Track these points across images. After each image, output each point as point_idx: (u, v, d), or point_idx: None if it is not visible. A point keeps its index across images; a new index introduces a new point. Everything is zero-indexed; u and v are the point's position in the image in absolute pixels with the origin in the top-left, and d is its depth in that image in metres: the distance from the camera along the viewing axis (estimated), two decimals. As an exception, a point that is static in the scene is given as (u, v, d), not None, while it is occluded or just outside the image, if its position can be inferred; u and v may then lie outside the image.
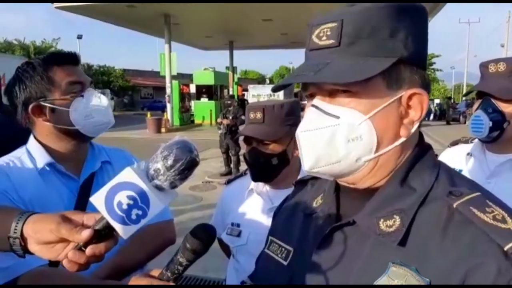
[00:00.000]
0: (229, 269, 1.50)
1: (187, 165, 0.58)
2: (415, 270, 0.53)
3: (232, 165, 7.61)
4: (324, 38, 0.60)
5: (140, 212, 0.58)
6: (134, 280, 0.78)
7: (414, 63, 0.60)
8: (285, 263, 0.72)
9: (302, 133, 0.62)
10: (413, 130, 0.61)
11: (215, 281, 3.40)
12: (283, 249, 0.74)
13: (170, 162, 0.57)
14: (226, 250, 1.56)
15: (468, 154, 1.44)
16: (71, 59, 1.11)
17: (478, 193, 0.56)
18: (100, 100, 1.10)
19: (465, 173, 1.40)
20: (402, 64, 0.58)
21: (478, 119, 1.31)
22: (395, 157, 0.61)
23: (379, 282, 0.55)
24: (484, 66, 1.37)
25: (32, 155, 1.08)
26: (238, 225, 1.41)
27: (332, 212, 0.67)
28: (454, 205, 0.54)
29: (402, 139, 0.60)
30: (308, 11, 13.58)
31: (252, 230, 1.34)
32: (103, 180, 1.14)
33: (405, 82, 0.59)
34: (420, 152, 0.63)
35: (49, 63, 1.07)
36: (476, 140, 1.45)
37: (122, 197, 0.58)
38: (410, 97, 0.59)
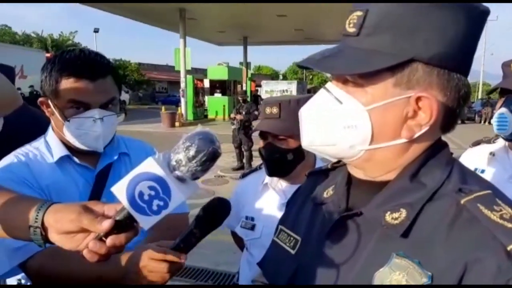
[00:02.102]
0: (242, 262, 1.51)
1: (209, 156, 0.58)
2: (418, 263, 0.53)
3: (244, 160, 7.63)
4: (351, 25, 0.60)
5: (161, 203, 0.58)
6: (149, 252, 0.78)
7: (440, 65, 0.56)
8: (292, 252, 0.73)
9: (305, 111, 0.65)
10: (419, 133, 0.58)
11: (227, 274, 3.44)
12: (291, 238, 0.75)
13: (192, 153, 0.57)
14: (240, 243, 1.57)
15: (490, 153, 1.43)
16: (86, 72, 1.01)
17: (489, 191, 0.56)
18: (93, 127, 1.03)
19: (488, 172, 1.39)
20: (419, 64, 0.56)
21: (503, 116, 1.30)
22: (398, 154, 0.61)
23: (380, 272, 0.56)
24: (507, 65, 1.36)
25: (50, 145, 1.11)
26: (252, 219, 1.42)
27: (341, 203, 0.67)
28: (462, 202, 0.54)
29: (402, 140, 0.59)
30: (323, 7, 13.45)
31: (266, 223, 1.35)
32: (120, 170, 1.16)
33: (418, 83, 0.57)
34: (435, 149, 0.62)
35: (62, 70, 1.02)
36: (500, 139, 1.44)
37: (144, 188, 0.58)
38: (420, 99, 0.57)
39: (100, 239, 0.61)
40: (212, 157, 0.58)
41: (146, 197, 0.58)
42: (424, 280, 0.52)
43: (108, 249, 0.61)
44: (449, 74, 0.57)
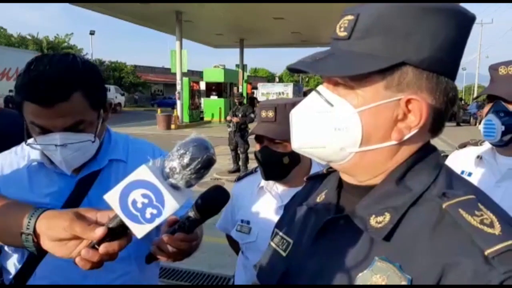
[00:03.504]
0: (238, 265, 1.51)
1: (204, 164, 0.57)
2: (398, 266, 0.54)
3: (240, 163, 7.63)
4: (342, 29, 0.60)
5: (154, 211, 0.57)
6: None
7: (429, 69, 0.57)
8: (284, 254, 0.74)
9: (296, 113, 0.65)
10: (408, 135, 0.59)
11: (221, 277, 3.43)
12: (284, 240, 0.76)
13: (186, 160, 0.56)
14: (235, 246, 1.56)
15: (478, 157, 1.41)
16: (41, 99, 0.89)
17: (472, 196, 0.56)
18: (55, 152, 0.94)
19: (475, 176, 1.37)
20: (409, 67, 0.57)
21: (490, 123, 1.28)
22: (387, 157, 0.61)
23: (362, 275, 0.56)
24: (494, 69, 1.33)
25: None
26: (248, 222, 1.41)
27: (331, 207, 0.68)
28: (444, 206, 0.55)
29: (392, 142, 0.59)
30: (320, 10, 13.50)
31: (262, 227, 1.34)
32: (109, 178, 1.07)
33: (408, 86, 0.57)
34: (423, 153, 0.62)
35: (19, 91, 0.94)
36: (486, 142, 1.41)
37: (137, 196, 0.57)
38: (409, 102, 0.57)
39: (93, 246, 0.61)
40: (207, 164, 0.58)
41: (139, 205, 0.57)
42: (403, 284, 0.53)
43: (101, 256, 0.61)
44: (438, 77, 0.58)
